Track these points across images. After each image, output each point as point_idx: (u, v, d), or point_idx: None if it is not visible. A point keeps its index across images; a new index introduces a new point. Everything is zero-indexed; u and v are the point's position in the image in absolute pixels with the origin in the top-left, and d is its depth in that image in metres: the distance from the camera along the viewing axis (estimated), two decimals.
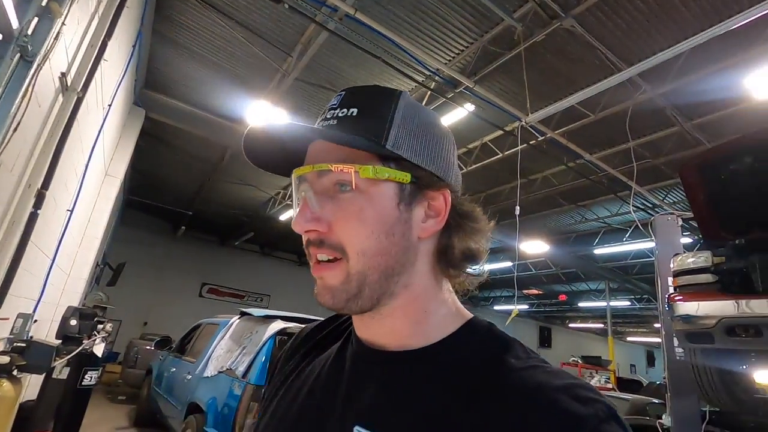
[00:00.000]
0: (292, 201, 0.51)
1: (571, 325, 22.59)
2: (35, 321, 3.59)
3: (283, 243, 14.70)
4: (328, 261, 0.47)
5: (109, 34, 3.01)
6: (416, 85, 5.74)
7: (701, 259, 2.85)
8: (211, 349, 4.47)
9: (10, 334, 2.81)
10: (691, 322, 2.76)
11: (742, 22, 3.28)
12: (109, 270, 9.54)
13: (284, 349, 0.66)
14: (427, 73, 5.58)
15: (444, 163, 0.50)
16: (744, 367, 3.21)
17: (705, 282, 2.79)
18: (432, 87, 5.76)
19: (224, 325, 4.66)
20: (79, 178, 3.97)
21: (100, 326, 4.70)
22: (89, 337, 4.50)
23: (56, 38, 1.90)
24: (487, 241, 0.54)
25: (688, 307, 2.76)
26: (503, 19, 4.57)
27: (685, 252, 3.22)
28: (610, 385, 11.03)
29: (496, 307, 19.68)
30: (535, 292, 17.03)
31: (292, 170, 0.50)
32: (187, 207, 11.78)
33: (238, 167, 8.83)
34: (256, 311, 4.34)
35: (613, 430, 0.37)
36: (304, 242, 0.49)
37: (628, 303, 16.43)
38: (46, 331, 4.39)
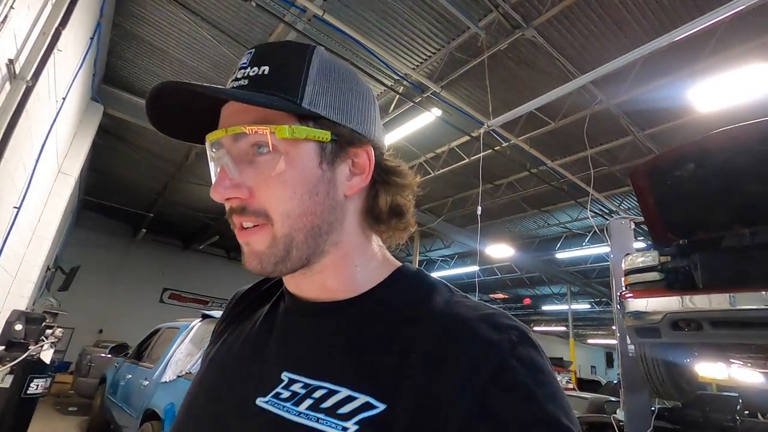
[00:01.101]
0: (211, 171, 0.50)
1: (535, 328, 23.20)
2: None
3: None
4: (254, 226, 0.46)
5: (63, 22, 2.88)
6: (385, 88, 5.80)
7: (649, 258, 3.02)
8: (170, 354, 4.31)
9: None
10: (640, 318, 2.91)
11: (684, 34, 3.52)
12: (61, 274, 9.04)
13: (223, 313, 0.67)
14: (396, 77, 5.65)
15: (365, 119, 0.49)
16: (688, 360, 3.41)
17: (652, 280, 2.96)
18: (400, 91, 5.83)
19: (185, 328, 4.51)
20: (28, 174, 3.76)
21: (48, 331, 4.45)
22: (36, 343, 4.25)
23: (3, 22, 1.81)
24: (414, 195, 0.54)
25: (638, 304, 2.91)
26: (469, 27, 4.71)
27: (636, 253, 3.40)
28: (571, 386, 11.40)
29: None
30: (500, 296, 17.43)
31: (203, 136, 0.48)
32: (148, 209, 11.34)
33: (205, 167, 8.60)
34: (218, 313, 4.22)
35: (525, 352, 0.40)
36: (227, 211, 0.47)
37: (589, 306, 17.09)
38: None
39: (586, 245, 10.54)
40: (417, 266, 0.54)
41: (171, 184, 9.55)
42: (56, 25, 2.82)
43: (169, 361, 4.23)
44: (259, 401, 0.45)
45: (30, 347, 4.03)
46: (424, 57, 5.37)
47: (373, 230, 0.52)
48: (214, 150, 0.47)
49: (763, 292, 2.43)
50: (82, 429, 6.01)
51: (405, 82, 5.75)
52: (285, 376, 0.46)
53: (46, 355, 4.28)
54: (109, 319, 12.24)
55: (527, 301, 17.39)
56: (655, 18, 4.40)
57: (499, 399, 0.37)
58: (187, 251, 14.63)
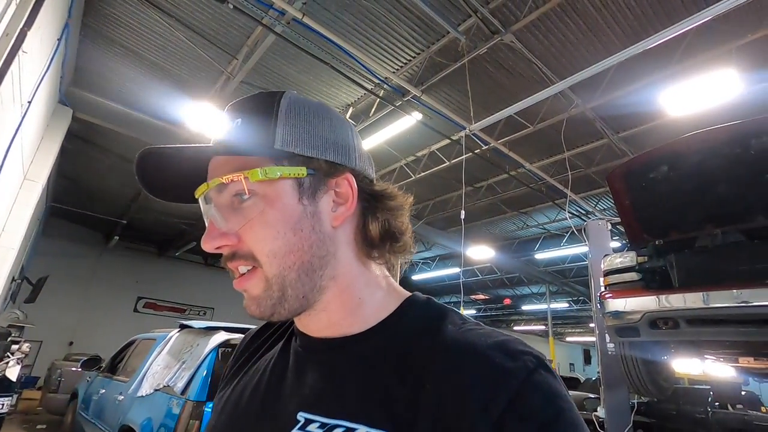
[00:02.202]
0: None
1: (515, 327, 23.58)
2: None
3: None
4: (247, 272, 0.47)
5: (28, 23, 2.75)
6: (365, 92, 5.79)
7: (627, 259, 3.10)
8: (146, 366, 4.16)
9: None
10: (619, 317, 2.98)
11: (655, 42, 3.65)
12: (28, 285, 8.64)
13: (234, 354, 0.67)
14: (376, 81, 5.65)
15: (341, 149, 0.50)
16: (665, 357, 3.50)
17: (630, 280, 3.03)
18: (381, 95, 5.83)
19: (162, 339, 4.36)
20: None
21: (14, 347, 4.25)
22: (1, 360, 4.03)
23: None
24: (408, 216, 0.54)
25: (617, 304, 2.98)
26: (449, 32, 4.75)
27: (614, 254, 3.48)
28: None
29: None
30: (481, 297, 17.63)
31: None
32: (120, 215, 10.98)
33: None
34: (197, 323, 4.11)
35: (541, 378, 0.39)
36: (222, 260, 0.48)
37: (567, 305, 17.47)
38: None
39: (563, 246, 10.77)
40: (426, 295, 0.53)
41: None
42: (21, 26, 2.69)
43: (145, 374, 4.09)
44: None
45: None
46: (405, 61, 5.39)
47: (370, 258, 0.52)
48: (205, 204, 0.49)
49: (734, 291, 2.51)
50: None
51: (385, 86, 5.76)
52: (301, 416, 0.45)
53: (12, 372, 4.08)
54: (81, 331, 11.77)
55: (507, 301, 17.65)
56: (628, 25, 4.53)
57: (516, 428, 0.36)
58: (163, 258, 14.23)
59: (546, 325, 15.81)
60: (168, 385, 3.65)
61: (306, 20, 4.28)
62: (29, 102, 3.94)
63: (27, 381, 8.89)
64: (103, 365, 5.37)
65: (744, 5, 3.38)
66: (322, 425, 0.43)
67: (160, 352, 4.22)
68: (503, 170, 7.55)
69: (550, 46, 4.92)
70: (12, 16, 2.62)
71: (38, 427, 6.85)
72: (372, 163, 0.56)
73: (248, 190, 0.45)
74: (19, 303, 8.57)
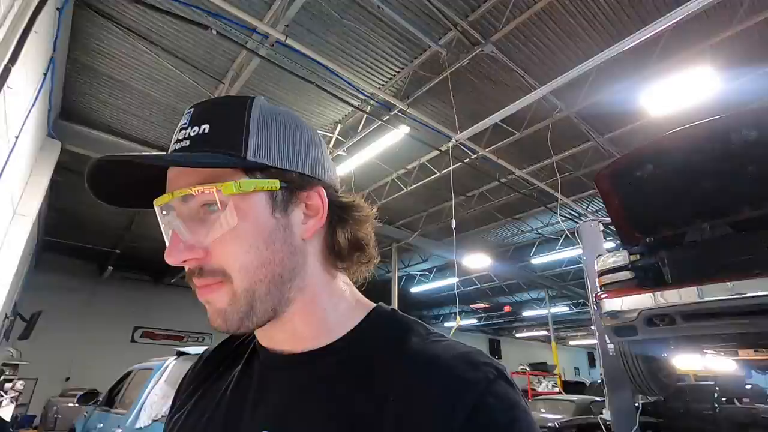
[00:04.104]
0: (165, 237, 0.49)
1: (518, 334, 23.43)
2: None
3: None
4: (213, 283, 0.45)
5: (13, 59, 2.78)
6: (352, 109, 5.85)
7: (620, 258, 3.12)
8: (144, 397, 4.08)
9: None
10: (616, 317, 2.98)
11: (632, 43, 3.75)
12: (21, 321, 8.49)
13: (188, 372, 0.64)
14: (362, 97, 5.72)
15: (312, 161, 0.49)
16: (665, 354, 3.50)
17: (624, 279, 3.04)
18: (368, 111, 5.90)
19: (159, 368, 4.29)
20: None
21: (8, 385, 4.15)
22: None
23: None
24: (373, 227, 0.54)
25: (613, 303, 2.98)
26: (430, 46, 4.84)
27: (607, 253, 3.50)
28: (557, 389, 11.49)
29: (446, 324, 19.98)
30: (481, 305, 17.54)
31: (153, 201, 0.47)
32: (114, 245, 10.90)
33: None
34: (194, 350, 4.06)
35: (500, 389, 0.40)
36: (186, 274, 0.46)
37: (567, 308, 17.42)
38: None
39: (559, 249, 10.81)
40: (391, 307, 0.53)
41: (138, 217, 9.24)
42: (5, 62, 2.72)
43: (143, 405, 4.01)
44: None
45: None
46: (389, 76, 5.47)
47: (336, 268, 0.52)
48: (164, 213, 0.47)
49: (728, 283, 2.53)
50: None
51: (372, 102, 5.83)
52: None
53: (7, 412, 3.98)
54: (77, 366, 11.54)
55: (508, 308, 17.58)
56: (604, 29, 4.65)
57: None
58: (159, 286, 14.09)
59: (548, 330, 15.74)
60: (166, 415, 3.56)
61: (289, 42, 4.35)
62: (16, 137, 3.94)
63: (23, 420, 8.66)
64: (101, 399, 5.26)
65: (714, 5, 3.49)
66: None
67: (157, 382, 4.15)
68: (493, 178, 7.61)
69: (531, 54, 5.03)
70: None
71: None
72: (336, 172, 0.56)
73: (220, 202, 0.43)
74: (12, 340, 8.40)
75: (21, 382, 4.13)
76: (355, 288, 0.54)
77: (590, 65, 4.07)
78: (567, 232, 5.78)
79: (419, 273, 14.46)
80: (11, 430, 4.10)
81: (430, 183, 7.81)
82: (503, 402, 0.39)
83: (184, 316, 14.13)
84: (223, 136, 0.45)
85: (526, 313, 18.43)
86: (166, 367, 4.19)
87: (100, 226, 10.02)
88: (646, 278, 2.99)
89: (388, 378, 0.43)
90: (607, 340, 3.87)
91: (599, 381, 12.11)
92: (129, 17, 4.60)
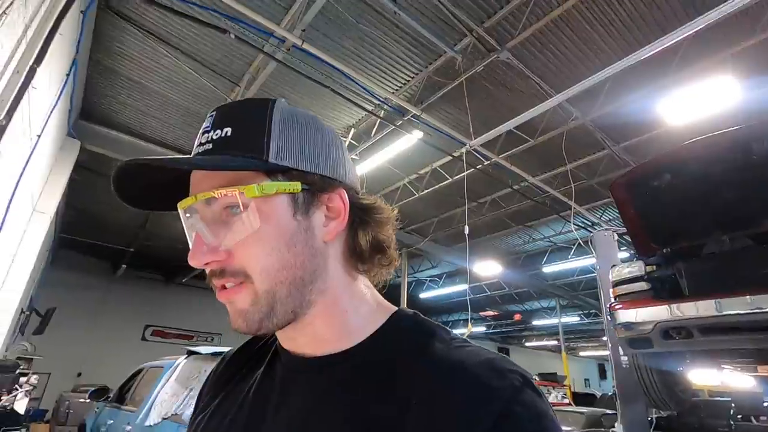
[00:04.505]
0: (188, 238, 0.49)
1: (527, 344, 23.15)
2: None
3: None
4: (235, 285, 0.45)
5: (38, 60, 2.85)
6: (366, 113, 5.88)
7: (635, 268, 3.06)
8: (154, 395, 4.12)
9: None
10: (631, 328, 2.92)
11: (650, 52, 3.71)
12: (36, 317, 8.65)
13: (210, 374, 0.64)
14: (376, 102, 5.75)
15: (333, 163, 0.50)
16: (681, 368, 3.42)
17: (640, 290, 2.99)
18: (381, 115, 5.92)
19: (169, 367, 4.33)
20: (1, 214, 3.63)
21: (23, 379, 4.23)
22: (9, 393, 4.02)
23: None
24: (394, 229, 0.54)
25: (628, 315, 2.93)
26: (445, 52, 4.84)
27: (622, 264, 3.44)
28: (567, 401, 11.31)
29: (455, 331, 19.79)
30: (491, 313, 17.39)
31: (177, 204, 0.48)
32: (128, 244, 11.06)
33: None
34: (205, 349, 4.09)
35: (528, 397, 0.39)
36: (207, 275, 0.47)
37: (578, 318, 17.17)
38: None
39: (571, 258, 10.67)
40: (413, 310, 0.53)
41: (152, 217, 9.37)
42: (31, 62, 2.79)
43: (153, 403, 4.04)
44: None
45: (3, 398, 3.80)
46: (403, 81, 5.49)
47: (357, 271, 0.52)
48: (187, 215, 0.47)
49: (748, 297, 2.47)
50: None
51: (385, 107, 5.85)
52: None
53: (21, 405, 4.05)
54: (89, 362, 11.71)
55: (518, 317, 17.39)
56: (622, 37, 4.61)
57: None
58: (170, 285, 14.25)
59: (558, 340, 15.52)
60: (176, 414, 3.60)
61: (306, 46, 4.39)
62: (38, 136, 4.04)
63: (35, 414, 8.81)
64: (111, 395, 5.32)
65: (735, 13, 3.44)
66: None
67: (167, 380, 4.18)
68: (506, 185, 7.56)
69: (547, 62, 5.00)
70: (23, 53, 2.72)
71: None
72: (356, 173, 0.55)
73: (242, 204, 0.44)
74: (27, 335, 8.56)
75: (35, 376, 4.20)
76: (375, 291, 0.54)
77: (607, 73, 4.04)
78: (580, 241, 5.71)
79: (428, 279, 14.40)
80: (25, 423, 4.16)
81: (441, 188, 7.79)
82: (531, 411, 0.38)
83: (195, 315, 14.27)
84: (245, 139, 0.46)
85: (536, 322, 18.21)
86: (177, 365, 4.23)
87: (115, 225, 10.20)
88: (662, 290, 2.93)
89: (411, 382, 0.42)
90: (621, 352, 3.80)
91: (610, 393, 11.89)
92: (149, 20, 4.69)
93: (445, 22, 4.57)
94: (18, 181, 3.77)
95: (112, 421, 4.72)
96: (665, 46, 3.64)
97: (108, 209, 9.33)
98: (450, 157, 6.54)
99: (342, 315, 0.49)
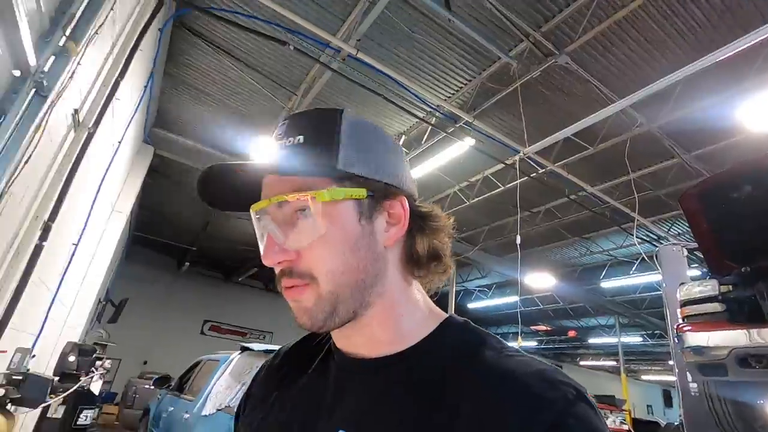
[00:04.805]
0: (258, 238, 0.52)
1: (582, 362, 21.85)
2: (33, 356, 3.54)
3: None
4: (302, 285, 0.48)
5: (122, 74, 3.16)
6: (417, 120, 5.90)
7: (708, 287, 2.81)
8: (210, 387, 4.35)
9: (7, 369, 2.77)
10: (702, 353, 2.68)
11: (728, 53, 3.40)
12: (111, 306, 9.47)
13: (263, 368, 0.67)
14: (428, 109, 5.75)
15: (396, 171, 0.52)
16: (761, 401, 3.07)
17: (713, 311, 2.73)
18: (433, 122, 5.91)
19: (224, 361, 4.56)
20: (85, 213, 4.03)
21: (98, 363, 4.63)
22: (87, 374, 4.41)
23: (71, 76, 2.01)
24: (449, 237, 0.55)
25: (698, 338, 2.69)
26: (500, 57, 4.76)
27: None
28: (626, 427, 10.53)
29: None
30: (543, 328, 16.63)
31: (250, 206, 0.51)
32: (191, 243, 11.83)
33: None
34: (257, 346, 4.26)
35: (581, 411, 0.38)
36: (277, 275, 0.50)
37: (641, 339, 15.96)
38: (44, 367, 4.32)
39: (633, 274, 9.97)
40: (463, 318, 0.54)
41: (213, 219, 9.97)
42: (116, 76, 3.09)
43: (209, 394, 4.27)
44: None
45: (81, 378, 4.18)
46: (456, 88, 5.45)
47: (413, 276, 0.53)
48: (258, 217, 0.51)
49: None
50: None
51: (437, 113, 5.83)
52: None
53: (96, 387, 4.44)
54: (154, 351, 12.61)
55: (572, 333, 16.48)
56: (695, 38, 4.28)
57: None
58: (228, 283, 15.02)
59: (617, 360, 14.51)
60: (229, 406, 3.78)
61: (360, 56, 4.50)
62: (119, 142, 4.45)
63: (107, 396, 9.59)
64: (172, 384, 5.69)
65: None
66: None
67: (222, 374, 4.40)
68: (562, 194, 7.24)
69: (609, 65, 4.76)
70: (109, 68, 3.02)
71: None
72: (414, 181, 0.57)
73: (312, 209, 0.46)
74: (103, 323, 9.39)
75: (108, 361, 4.59)
76: (427, 297, 0.55)
77: (677, 77, 3.76)
78: (644, 256, 5.33)
79: (477, 288, 14.06)
80: (98, 404, 4.55)
81: (493, 197, 7.61)
82: (584, 425, 0.38)
83: (249, 313, 14.93)
84: (316, 147, 0.49)
85: (592, 340, 17.15)
86: (231, 360, 4.44)
87: (180, 225, 10.97)
88: (739, 312, 2.66)
89: (461, 389, 0.43)
90: (690, 378, 3.49)
91: (677, 423, 10.90)
92: (218, 35, 5.03)
93: (500, 28, 4.49)
94: (101, 183, 4.17)
95: (172, 408, 5.03)
96: (746, 46, 3.33)
97: (175, 210, 10.07)
98: (503, 165, 6.38)
99: (397, 318, 0.51)
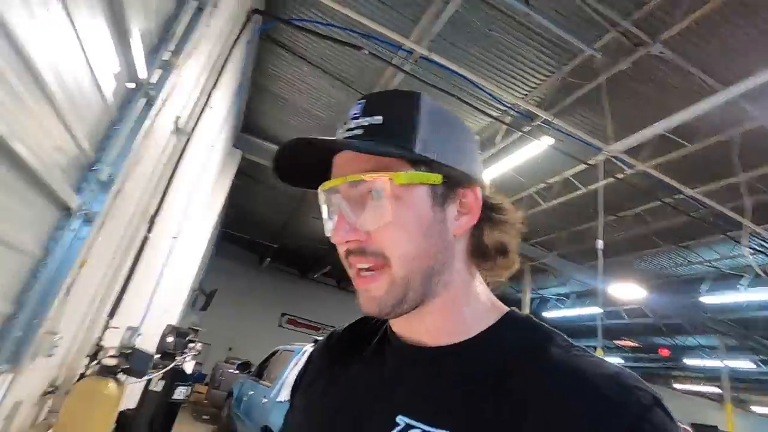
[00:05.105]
0: (323, 216, 0.53)
1: (677, 385, 19.57)
2: (140, 335, 4.05)
3: None
4: (369, 270, 0.47)
5: (215, 84, 3.49)
6: (491, 120, 5.74)
7: None
8: (285, 375, 4.63)
9: (119, 343, 3.20)
10: None
11: None
12: (202, 296, 10.47)
13: (317, 348, 0.67)
14: (503, 108, 5.57)
15: (471, 160, 0.51)
16: None
17: None
18: (507, 121, 5.71)
19: (298, 351, 4.83)
20: (182, 209, 4.51)
21: (191, 345, 5.14)
22: (181, 354, 4.92)
23: (174, 87, 2.27)
24: (517, 231, 0.53)
25: None
26: (582, 51, 4.46)
27: None
28: None
29: None
30: (629, 343, 15.19)
31: (317, 183, 0.51)
32: (272, 240, 12.67)
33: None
34: None
35: (658, 418, 0.36)
36: (342, 253, 0.49)
37: (752, 365, 13.88)
38: (147, 346, 4.91)
39: (742, 289, 8.71)
40: (526, 312, 0.52)
41: (292, 217, 10.58)
42: (211, 87, 3.43)
43: (284, 382, 4.54)
44: None
45: (177, 358, 4.68)
46: (534, 85, 5.21)
47: (478, 268, 0.53)
48: (328, 195, 0.51)
49: None
50: None
51: (512, 112, 5.63)
52: (401, 420, 0.45)
53: (188, 366, 4.93)
54: (237, 339, 13.70)
55: (664, 352, 14.83)
56: None
57: None
58: (304, 280, 15.87)
59: (720, 387, 12.79)
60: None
61: (433, 56, 4.49)
62: (212, 146, 4.92)
63: (198, 377, 10.60)
64: (252, 370, 6.14)
65: None
66: None
67: (296, 363, 4.65)
68: (654, 197, 6.57)
69: (713, 52, 4.23)
70: (205, 80, 3.36)
71: (203, 417, 8.08)
72: (484, 173, 0.56)
73: (388, 190, 0.46)
74: (195, 310, 10.41)
75: (200, 344, 5.07)
76: (489, 290, 0.54)
77: None
78: (757, 270, 4.64)
79: (554, 297, 13.27)
80: (190, 383, 5.03)
81: (573, 200, 7.14)
82: None
83: (322, 309, 15.64)
84: (395, 128, 0.48)
85: (689, 362, 15.27)
86: (304, 351, 4.68)
87: (263, 223, 11.81)
88: None
89: (525, 384, 0.41)
90: None
91: None
92: (299, 45, 5.35)
93: (583, 19, 4.20)
94: (196, 183, 4.65)
95: (252, 392, 5.42)
96: None
97: (259, 210, 10.86)
98: (584, 165, 5.96)
99: (460, 309, 0.50)
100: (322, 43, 5.15)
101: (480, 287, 0.53)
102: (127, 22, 1.57)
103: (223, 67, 3.63)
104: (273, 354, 5.93)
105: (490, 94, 5.09)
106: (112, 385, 2.40)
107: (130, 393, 4.55)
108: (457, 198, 0.50)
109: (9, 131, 1.10)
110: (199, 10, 2.31)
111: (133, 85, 1.85)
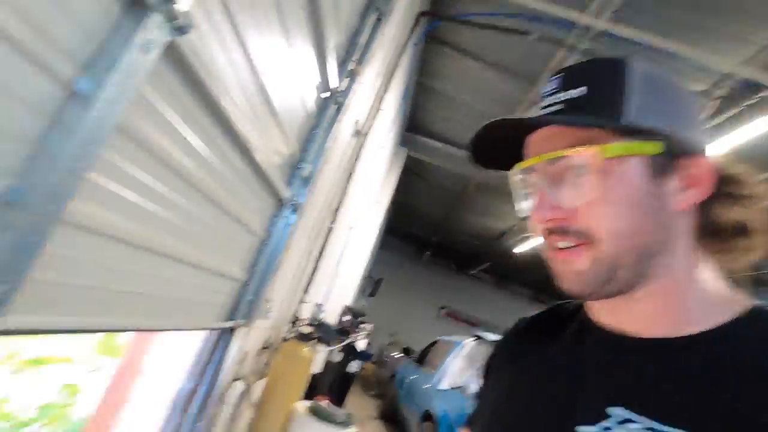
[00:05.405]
0: (516, 197, 0.51)
1: None
2: (323, 312, 4.71)
3: (518, 276, 14.33)
4: (571, 247, 0.44)
5: (386, 89, 3.79)
6: (697, 94, 4.73)
7: None
8: (446, 365, 4.76)
9: (310, 316, 3.79)
10: None
11: None
12: (371, 283, 11.53)
13: (502, 341, 0.66)
14: (714, 79, 4.52)
15: (694, 126, 0.45)
16: None
17: None
18: (721, 94, 4.61)
19: (458, 344, 4.90)
20: (357, 203, 5.05)
21: (363, 325, 5.73)
22: (355, 332, 5.53)
23: (355, 93, 2.56)
24: (765, 208, 0.44)
25: None
26: None
27: None
28: None
29: None
30: None
31: (512, 163, 0.49)
32: (432, 234, 13.09)
33: (480, 198, 9.27)
34: (490, 336, 4.39)
35: None
36: (541, 232, 0.47)
37: None
38: (328, 321, 5.67)
39: None
40: None
41: (451, 213, 10.73)
42: (383, 92, 3.73)
43: (444, 372, 4.67)
44: (581, 429, 0.43)
45: (351, 335, 5.27)
46: (759, 46, 4.08)
47: (708, 251, 0.45)
48: (523, 175, 0.50)
49: None
50: (378, 411, 7.35)
51: (728, 83, 4.52)
52: (616, 411, 0.42)
53: (360, 344, 5.50)
54: (399, 326, 14.66)
55: None
56: None
57: None
58: (460, 274, 15.97)
59: None
60: (461, 386, 4.04)
61: (616, 30, 3.94)
62: (382, 147, 5.36)
63: (367, 355, 11.76)
64: (413, 356, 6.49)
65: None
66: (649, 428, 0.39)
67: (457, 356, 4.73)
68: None
69: None
70: (379, 85, 3.68)
71: (370, 392, 8.91)
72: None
73: (593, 164, 0.43)
74: (365, 295, 11.55)
75: (371, 325, 5.63)
76: (724, 280, 0.46)
77: None
78: None
79: None
80: (360, 360, 5.63)
81: None
82: None
83: (478, 305, 15.50)
84: (602, 98, 0.45)
85: None
86: (466, 345, 4.72)
87: (424, 218, 12.29)
88: None
89: None
90: None
91: None
92: (463, 40, 5.36)
93: None
94: (369, 180, 5.13)
95: (414, 377, 5.75)
96: None
97: (421, 205, 11.35)
98: None
99: (683, 296, 0.44)
100: (486, 35, 5.05)
101: (711, 273, 0.45)
102: (326, 42, 1.84)
103: (393, 71, 3.91)
104: (433, 343, 6.14)
105: (696, 64, 4.18)
106: (308, 349, 2.86)
107: (316, 362, 5.35)
108: (679, 168, 0.44)
109: (254, 147, 1.47)
110: (378, 20, 2.54)
111: (327, 94, 2.16)
